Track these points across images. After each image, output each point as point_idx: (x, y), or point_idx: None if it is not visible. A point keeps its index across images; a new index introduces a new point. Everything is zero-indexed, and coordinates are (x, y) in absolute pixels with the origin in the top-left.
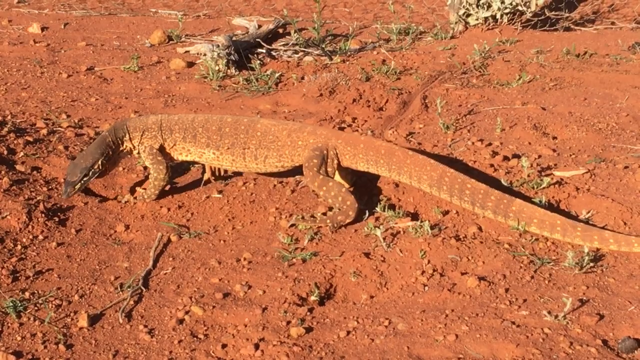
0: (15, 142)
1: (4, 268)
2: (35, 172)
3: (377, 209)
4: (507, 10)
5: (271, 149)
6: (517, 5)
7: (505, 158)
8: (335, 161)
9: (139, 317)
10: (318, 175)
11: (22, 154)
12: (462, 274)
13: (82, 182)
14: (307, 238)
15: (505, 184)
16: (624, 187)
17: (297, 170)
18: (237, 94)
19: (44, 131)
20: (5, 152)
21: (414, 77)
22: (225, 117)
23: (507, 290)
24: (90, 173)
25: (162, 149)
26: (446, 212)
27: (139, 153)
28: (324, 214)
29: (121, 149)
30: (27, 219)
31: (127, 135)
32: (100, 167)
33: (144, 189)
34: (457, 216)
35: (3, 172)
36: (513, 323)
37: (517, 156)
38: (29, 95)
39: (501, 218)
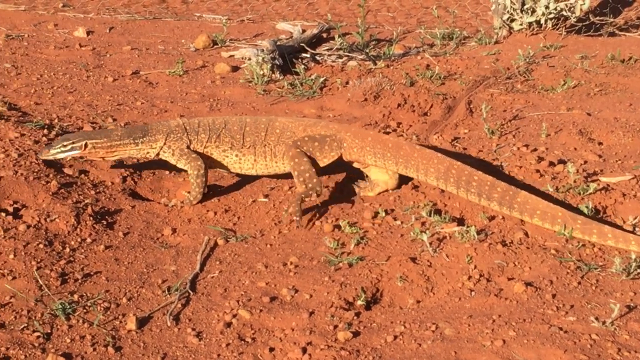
0: None
1: (52, 271)
2: (82, 176)
3: (423, 213)
4: (551, 16)
5: None
6: (561, 10)
7: (551, 164)
8: (333, 152)
9: (187, 320)
10: (294, 147)
11: None
12: (509, 279)
13: (59, 150)
14: (353, 242)
15: (551, 190)
16: None
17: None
18: (281, 99)
19: None
20: None
21: (458, 82)
22: (245, 117)
23: (554, 296)
24: (70, 147)
25: None
26: (492, 218)
27: (158, 155)
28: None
29: (130, 147)
30: (75, 222)
31: (147, 137)
32: (84, 148)
33: (188, 192)
34: (503, 221)
35: (51, 175)
36: (560, 329)
37: (562, 162)
38: (75, 98)
39: (506, 210)
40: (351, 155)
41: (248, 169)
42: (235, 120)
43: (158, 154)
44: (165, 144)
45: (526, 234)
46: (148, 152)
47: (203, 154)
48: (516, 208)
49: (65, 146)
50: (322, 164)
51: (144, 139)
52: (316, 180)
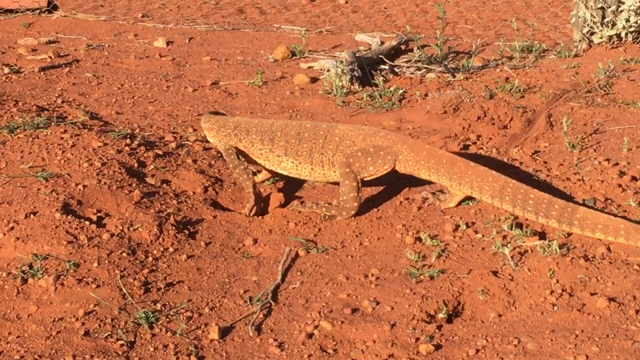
0: (145, 155)
1: (136, 279)
2: (164, 185)
3: (504, 227)
4: (632, 29)
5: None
6: None
7: (633, 178)
8: (386, 166)
9: (269, 330)
10: (345, 166)
11: (152, 167)
12: (592, 294)
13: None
14: (434, 255)
15: (634, 205)
16: None
17: (409, 184)
18: (360, 110)
19: (173, 144)
20: (136, 165)
21: (538, 95)
22: (305, 122)
23: (637, 311)
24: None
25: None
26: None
27: (217, 146)
28: (329, 203)
29: (204, 131)
30: (157, 232)
31: (206, 124)
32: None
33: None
34: (584, 236)
35: (134, 185)
36: None
37: None
38: (155, 108)
39: (565, 226)
40: (406, 168)
41: (306, 176)
42: (295, 124)
43: (217, 145)
44: (216, 136)
45: (608, 249)
46: (209, 140)
47: (257, 157)
48: (576, 224)
49: None
50: (374, 177)
51: (205, 125)
52: (351, 206)
